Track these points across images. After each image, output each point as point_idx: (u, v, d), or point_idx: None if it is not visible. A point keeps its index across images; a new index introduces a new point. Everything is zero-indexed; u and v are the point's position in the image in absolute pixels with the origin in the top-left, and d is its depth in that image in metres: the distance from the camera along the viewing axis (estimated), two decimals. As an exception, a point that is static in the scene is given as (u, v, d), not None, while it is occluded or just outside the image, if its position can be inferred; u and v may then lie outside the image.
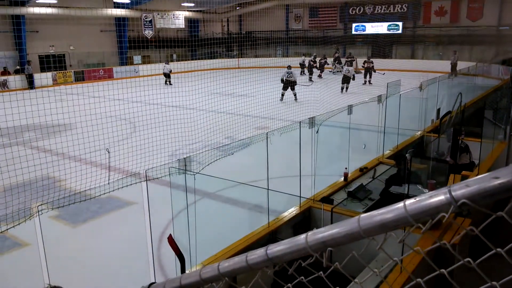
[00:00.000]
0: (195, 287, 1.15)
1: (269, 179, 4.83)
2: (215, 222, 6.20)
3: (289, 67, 17.70)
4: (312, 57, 26.55)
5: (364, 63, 23.66)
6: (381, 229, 0.77)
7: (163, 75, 24.39)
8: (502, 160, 7.28)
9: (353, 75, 19.95)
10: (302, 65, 27.17)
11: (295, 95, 17.62)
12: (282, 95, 17.55)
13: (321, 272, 0.95)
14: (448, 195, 0.69)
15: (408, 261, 3.57)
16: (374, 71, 22.90)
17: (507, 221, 0.68)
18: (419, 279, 0.80)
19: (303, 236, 0.89)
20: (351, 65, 22.79)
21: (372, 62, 23.28)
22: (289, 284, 1.01)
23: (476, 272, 0.73)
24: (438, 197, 0.71)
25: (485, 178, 0.67)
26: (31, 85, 23.31)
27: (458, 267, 0.78)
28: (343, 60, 27.00)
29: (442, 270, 0.76)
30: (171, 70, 24.51)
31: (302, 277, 0.97)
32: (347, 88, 19.70)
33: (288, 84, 17.51)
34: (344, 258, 0.98)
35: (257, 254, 0.98)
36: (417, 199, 0.73)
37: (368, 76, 23.10)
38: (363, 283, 1.07)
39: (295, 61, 26.58)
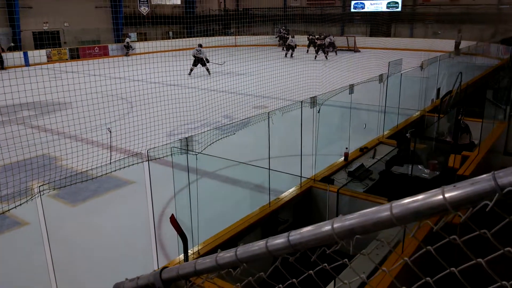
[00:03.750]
0: (210, 272, 1.12)
1: (270, 158, 4.80)
2: (216, 201, 6.19)
3: (199, 45, 19.16)
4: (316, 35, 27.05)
5: (316, 39, 25.39)
6: (416, 217, 0.73)
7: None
8: (502, 140, 7.28)
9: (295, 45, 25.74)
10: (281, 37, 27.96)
11: (207, 70, 18.97)
12: (191, 70, 18.87)
13: (346, 259, 0.92)
14: (492, 182, 0.65)
15: (407, 244, 3.58)
16: (325, 48, 24.89)
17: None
18: (429, 278, 0.77)
19: (328, 222, 0.86)
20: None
21: (322, 39, 25.22)
22: (311, 271, 0.98)
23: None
24: (481, 184, 0.66)
25: (534, 164, 0.62)
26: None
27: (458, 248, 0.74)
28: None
29: (453, 268, 0.72)
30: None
31: (326, 264, 0.94)
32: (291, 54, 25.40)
33: (197, 60, 18.88)
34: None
35: (278, 240, 0.94)
36: (457, 185, 0.69)
37: (320, 51, 24.68)
38: (361, 264, 1.04)
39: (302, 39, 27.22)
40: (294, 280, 1.05)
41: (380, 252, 4.00)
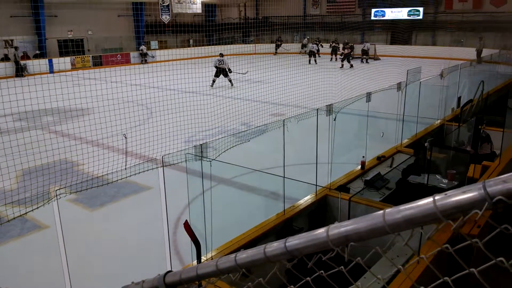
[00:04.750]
0: (211, 276, 1.14)
1: (285, 166, 4.79)
2: (231, 208, 6.21)
3: (221, 54, 18.12)
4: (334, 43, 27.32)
5: (343, 49, 24.55)
6: (408, 225, 0.73)
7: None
8: (524, 150, 7.10)
9: (318, 50, 27.35)
10: (311, 52, 27.40)
11: (230, 81, 18.03)
12: (213, 81, 18.02)
13: (342, 266, 0.92)
14: (482, 191, 0.65)
15: (425, 252, 3.53)
16: (351, 57, 24.42)
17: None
18: (447, 278, 0.76)
19: (323, 229, 0.86)
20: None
21: (351, 48, 24.67)
22: (308, 278, 0.98)
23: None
24: (472, 192, 0.66)
25: (524, 174, 0.62)
26: (18, 72, 22.24)
27: (477, 257, 0.74)
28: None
29: (472, 269, 0.72)
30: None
31: (322, 271, 0.94)
32: (315, 61, 26.14)
33: (219, 71, 17.91)
34: (360, 250, 0.94)
35: (275, 246, 0.95)
36: (448, 194, 0.69)
37: (346, 61, 23.98)
38: (377, 274, 1.03)
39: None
40: (309, 279, 1.06)
41: (396, 263, 3.95)
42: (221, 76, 18.02)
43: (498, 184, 0.64)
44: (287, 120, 4.69)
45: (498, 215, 0.81)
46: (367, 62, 26.78)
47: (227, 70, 17.97)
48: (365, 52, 26.95)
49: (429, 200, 0.71)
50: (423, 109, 7.56)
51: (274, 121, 5.11)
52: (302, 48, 32.46)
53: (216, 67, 18.02)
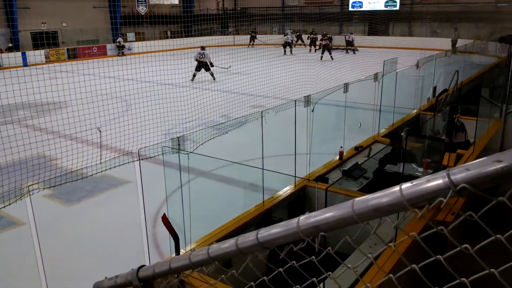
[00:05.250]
0: (185, 270, 1.13)
1: (264, 158, 4.80)
2: (209, 201, 6.19)
3: (202, 47, 17.35)
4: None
5: (322, 40, 24.44)
6: (376, 214, 0.74)
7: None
8: (497, 138, 7.29)
9: (292, 41, 27.48)
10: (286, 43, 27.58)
11: (212, 75, 17.28)
12: (194, 75, 17.22)
13: (313, 256, 0.92)
14: (446, 179, 0.65)
15: (400, 239, 3.58)
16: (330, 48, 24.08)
17: (500, 203, 0.65)
18: (414, 265, 0.77)
19: (294, 220, 0.86)
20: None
21: (329, 40, 24.29)
22: (281, 269, 0.98)
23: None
24: (436, 181, 0.67)
25: (486, 161, 0.63)
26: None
27: (452, 243, 0.75)
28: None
29: (439, 256, 0.73)
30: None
31: (294, 262, 0.94)
32: (291, 51, 26.33)
33: (200, 65, 17.17)
34: (336, 239, 0.95)
35: (247, 238, 0.95)
36: (414, 183, 0.70)
37: (326, 52, 23.77)
38: (356, 262, 1.04)
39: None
40: (280, 269, 1.05)
41: (373, 251, 4.01)
42: (202, 70, 17.30)
43: (461, 172, 0.64)
44: (265, 112, 4.69)
45: (479, 203, 0.81)
46: (353, 52, 26.89)
47: (208, 64, 17.21)
48: (349, 43, 27.08)
49: (395, 189, 0.71)
50: (399, 99, 7.65)
51: (252, 112, 5.10)
52: (298, 39, 32.44)
53: (197, 60, 17.24)
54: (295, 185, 5.03)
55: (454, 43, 23.69)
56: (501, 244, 0.67)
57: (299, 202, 5.05)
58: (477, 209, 0.72)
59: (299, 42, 30.95)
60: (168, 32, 33.05)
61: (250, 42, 31.99)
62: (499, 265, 0.69)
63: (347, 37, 27.51)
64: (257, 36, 32.62)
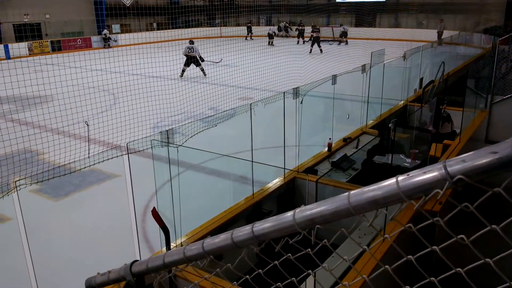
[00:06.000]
0: (179, 264, 1.12)
1: (253, 150, 4.80)
2: (199, 194, 6.19)
3: (191, 41, 16.66)
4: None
5: (312, 31, 23.83)
6: (372, 206, 0.74)
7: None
8: (483, 128, 7.40)
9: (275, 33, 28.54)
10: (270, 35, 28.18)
11: (202, 70, 16.54)
12: (183, 71, 16.46)
13: (309, 249, 0.93)
14: (443, 171, 0.66)
15: (390, 229, 3.64)
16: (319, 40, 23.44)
17: (490, 193, 0.66)
18: (410, 256, 0.77)
19: (290, 213, 0.86)
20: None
21: (318, 31, 23.51)
22: (276, 261, 0.98)
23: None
24: (433, 173, 0.67)
25: (482, 153, 0.63)
26: None
27: (439, 232, 0.76)
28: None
29: (434, 247, 0.73)
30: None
31: (290, 255, 0.94)
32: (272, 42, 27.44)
33: (190, 60, 16.36)
34: (325, 230, 0.95)
35: (243, 232, 0.95)
36: (410, 174, 0.70)
37: (316, 45, 23.26)
38: (345, 253, 1.04)
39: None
40: (275, 262, 1.06)
41: (362, 241, 4.06)
42: (192, 65, 16.51)
43: (458, 163, 0.65)
44: (254, 104, 4.68)
45: (456, 191, 0.82)
46: (346, 43, 26.93)
47: (198, 58, 16.46)
48: (344, 34, 27.13)
49: (392, 181, 0.72)
50: (387, 91, 7.71)
51: (241, 105, 5.09)
52: (279, 31, 32.51)
53: (186, 55, 16.47)
54: (284, 177, 5.05)
55: (440, 34, 23.89)
56: (489, 233, 0.68)
57: (289, 194, 5.07)
58: (463, 199, 0.73)
59: (286, 34, 31.03)
60: (154, 24, 32.71)
61: (248, 34, 31.70)
62: (487, 254, 0.70)
63: (342, 28, 27.52)
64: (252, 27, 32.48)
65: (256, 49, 19.00)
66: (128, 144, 3.32)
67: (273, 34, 28.35)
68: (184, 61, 16.46)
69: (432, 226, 0.76)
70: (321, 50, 23.03)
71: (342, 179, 5.13)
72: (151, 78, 14.99)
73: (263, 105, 4.87)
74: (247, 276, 1.05)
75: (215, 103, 11.35)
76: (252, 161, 4.64)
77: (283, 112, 5.05)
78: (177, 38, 21.33)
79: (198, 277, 2.86)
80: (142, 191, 5.28)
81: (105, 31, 28.21)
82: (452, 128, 6.92)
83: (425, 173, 0.68)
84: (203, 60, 16.55)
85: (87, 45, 27.47)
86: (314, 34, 23.48)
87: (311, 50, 23.16)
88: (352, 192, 0.77)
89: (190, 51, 16.26)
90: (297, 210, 0.85)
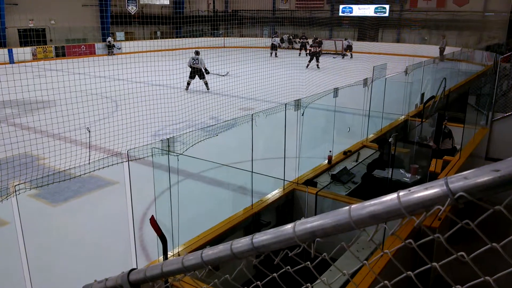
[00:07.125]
0: (177, 274, 1.12)
1: (253, 160, 4.79)
2: (198, 203, 6.17)
3: (196, 52, 15.68)
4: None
5: (311, 46, 23.23)
6: (373, 221, 0.74)
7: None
8: (483, 145, 7.40)
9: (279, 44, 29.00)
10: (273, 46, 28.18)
11: (206, 84, 15.48)
12: (188, 84, 15.48)
13: (308, 262, 0.92)
14: (444, 187, 0.66)
15: (389, 244, 3.62)
16: (318, 55, 22.50)
17: (491, 211, 0.66)
18: (410, 272, 0.77)
19: (290, 225, 0.86)
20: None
21: (319, 45, 22.53)
22: (275, 274, 0.98)
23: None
24: (434, 189, 0.67)
25: (484, 170, 0.63)
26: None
27: (438, 247, 0.76)
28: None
29: (434, 263, 0.73)
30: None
31: (289, 267, 0.94)
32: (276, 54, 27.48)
33: (194, 72, 15.41)
34: (325, 243, 0.94)
35: (242, 243, 0.94)
36: (411, 190, 0.70)
37: (314, 60, 22.24)
38: (343, 267, 1.04)
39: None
40: (274, 274, 1.05)
41: (360, 255, 4.04)
42: (196, 77, 15.54)
43: (459, 180, 0.65)
44: (256, 115, 4.69)
45: (456, 207, 0.82)
46: (351, 57, 27.14)
47: (203, 70, 15.51)
48: (349, 48, 27.39)
49: (393, 196, 0.72)
50: (388, 105, 7.73)
51: (242, 115, 5.10)
52: (281, 42, 32.74)
53: (190, 66, 15.54)
54: (283, 189, 5.04)
55: (442, 50, 24.03)
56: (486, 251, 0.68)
57: (288, 205, 5.06)
58: (461, 215, 0.73)
59: (289, 46, 31.20)
60: (158, 33, 32.93)
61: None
62: (483, 269, 0.70)
63: (347, 42, 27.75)
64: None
65: (259, 60, 19.09)
66: (128, 151, 3.32)
67: (277, 45, 28.36)
68: (189, 73, 15.77)
69: (431, 241, 0.76)
70: (318, 66, 22.03)
71: (342, 192, 5.12)
72: (153, 86, 15.04)
73: (264, 116, 4.88)
74: (245, 288, 1.05)
75: (217, 112, 11.38)
76: (252, 172, 4.63)
77: (284, 123, 5.06)
78: (181, 47, 21.44)
79: (195, 287, 2.85)
80: (141, 199, 5.27)
81: (110, 38, 28.43)
82: (453, 145, 6.92)
83: (426, 189, 0.68)
84: (208, 73, 15.82)
85: (91, 52, 27.64)
86: (312, 49, 22.60)
87: (308, 65, 22.13)
88: (353, 206, 0.77)
89: (195, 62, 15.52)
90: (298, 222, 0.85)
